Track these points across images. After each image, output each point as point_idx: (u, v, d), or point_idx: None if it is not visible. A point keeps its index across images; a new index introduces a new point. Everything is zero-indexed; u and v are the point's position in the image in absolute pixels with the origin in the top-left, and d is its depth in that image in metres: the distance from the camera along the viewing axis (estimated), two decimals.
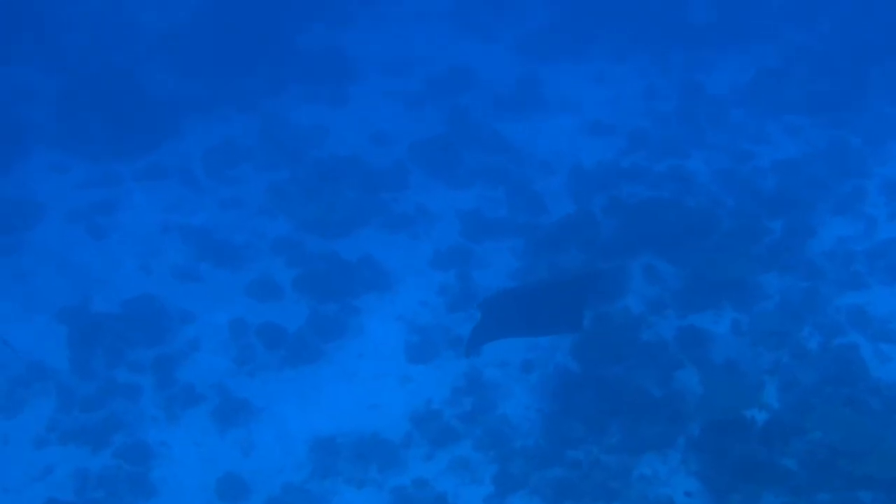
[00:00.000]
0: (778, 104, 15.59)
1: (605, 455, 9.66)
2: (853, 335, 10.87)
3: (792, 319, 11.02)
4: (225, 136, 15.31)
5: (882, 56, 16.42)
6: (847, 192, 13.24)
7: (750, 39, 17.80)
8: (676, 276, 11.87)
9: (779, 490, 8.99)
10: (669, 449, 9.66)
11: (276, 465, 9.99)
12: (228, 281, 12.49)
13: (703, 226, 12.43)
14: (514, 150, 14.85)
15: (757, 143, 14.72)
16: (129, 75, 16.51)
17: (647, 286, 11.84)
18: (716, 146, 14.70)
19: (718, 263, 11.68)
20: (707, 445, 9.41)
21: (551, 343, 11.06)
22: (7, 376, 11.05)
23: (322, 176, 14.15)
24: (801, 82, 15.85)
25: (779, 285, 11.63)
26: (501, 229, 13.08)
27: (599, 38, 18.23)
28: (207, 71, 17.07)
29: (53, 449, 10.26)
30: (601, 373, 10.45)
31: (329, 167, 14.35)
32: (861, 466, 8.85)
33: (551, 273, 11.96)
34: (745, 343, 10.84)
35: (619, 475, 9.43)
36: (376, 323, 11.68)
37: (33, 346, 11.43)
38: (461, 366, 10.88)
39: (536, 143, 15.09)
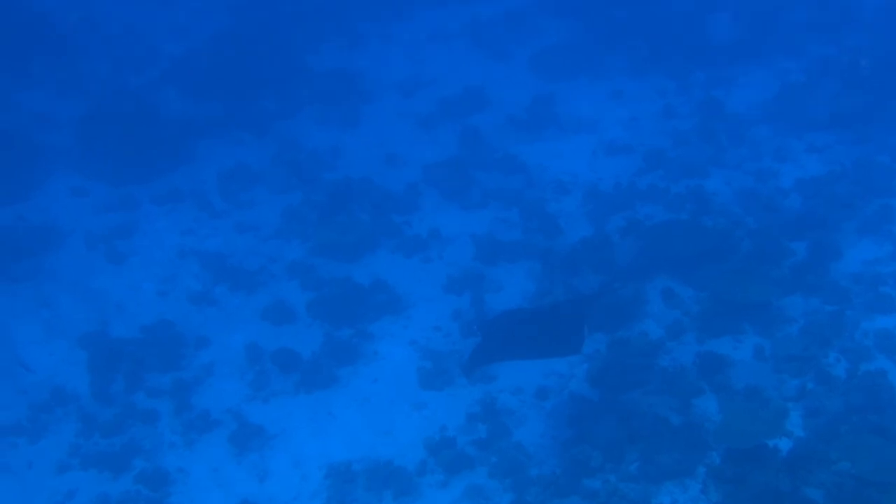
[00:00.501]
0: (802, 121, 15.22)
1: (623, 484, 9.43)
2: (881, 360, 10.52)
3: (817, 344, 10.72)
4: (239, 159, 15.35)
5: None
6: (874, 212, 12.78)
7: (773, 54, 17.48)
8: (695, 299, 11.67)
9: None
10: (689, 478, 9.42)
11: (292, 491, 9.90)
12: (244, 305, 12.47)
13: (722, 247, 12.19)
14: (529, 171, 14.72)
15: (779, 161, 14.43)
16: (145, 99, 16.69)
17: (666, 310, 11.64)
18: (736, 165, 14.44)
19: (739, 286, 11.42)
20: (728, 475, 9.15)
21: (566, 369, 10.90)
22: (30, 401, 11.10)
23: (335, 199, 14.07)
24: (826, 98, 15.40)
25: (803, 308, 11.35)
26: (516, 252, 12.94)
27: (616, 55, 18.07)
28: (222, 94, 17.12)
29: (75, 474, 10.30)
30: (618, 399, 10.26)
31: (342, 190, 14.27)
32: (890, 498, 8.56)
33: (566, 296, 11.79)
34: (767, 369, 10.57)
35: None
36: (390, 348, 11.57)
37: (55, 371, 11.48)
38: (475, 392, 10.76)
39: (551, 164, 14.96)
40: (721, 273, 11.76)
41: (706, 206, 13.37)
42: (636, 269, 12.21)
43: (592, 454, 9.70)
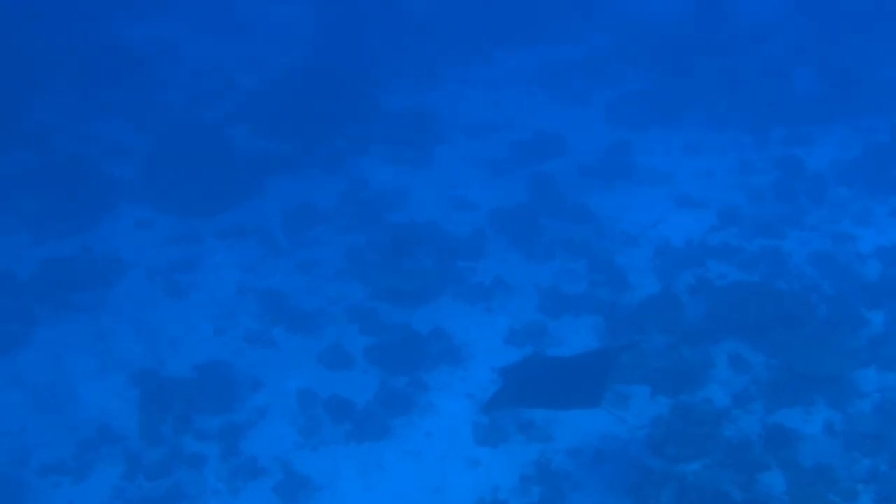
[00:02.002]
0: (885, 184, 14.71)
1: None
2: None
3: (892, 422, 10.21)
4: (306, 196, 15.26)
5: None
6: None
7: (858, 113, 16.96)
8: (765, 366, 11.22)
9: None
10: None
11: None
12: (300, 347, 12.29)
13: (796, 313, 11.71)
14: (598, 221, 14.41)
15: (860, 225, 13.92)
16: (217, 132, 16.71)
17: (733, 376, 11.20)
18: (814, 227, 13.97)
19: (812, 355, 10.98)
20: None
21: (626, 433, 10.52)
22: (76, 439, 11.00)
23: (400, 242, 13.91)
24: None
25: (878, 383, 10.84)
26: (580, 305, 12.62)
27: (695, 106, 17.71)
28: (293, 129, 17.14)
29: None
30: (678, 470, 9.85)
31: (407, 232, 14.11)
32: None
33: (630, 358, 11.42)
34: (838, 446, 10.08)
35: None
36: (445, 400, 11.29)
37: (105, 408, 11.40)
38: (531, 451, 10.43)
39: (622, 215, 14.61)
40: (793, 340, 11.32)
41: (781, 269, 12.93)
42: (704, 331, 11.79)
43: None
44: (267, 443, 10.82)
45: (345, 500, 10.09)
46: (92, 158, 16.25)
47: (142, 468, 10.52)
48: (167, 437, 10.90)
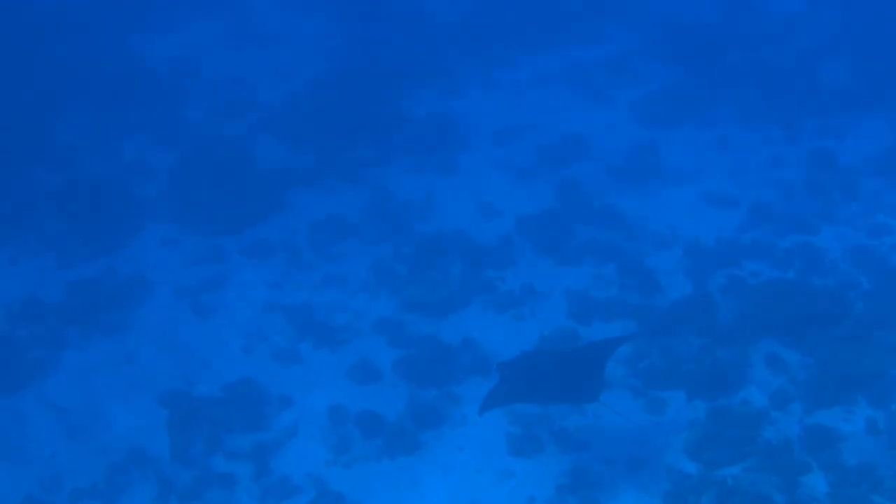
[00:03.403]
0: None
1: None
2: None
3: None
4: (331, 209, 15.14)
5: None
6: None
7: (888, 104, 16.55)
8: (802, 365, 10.97)
9: None
10: None
11: None
12: (328, 362, 12.21)
13: (833, 310, 11.49)
14: (628, 224, 14.16)
15: (895, 217, 13.57)
16: (241, 147, 16.69)
17: (770, 377, 10.95)
18: (848, 220, 13.67)
19: (851, 353, 10.74)
20: None
21: (662, 438, 10.30)
22: (108, 462, 10.99)
23: (427, 251, 13.78)
24: None
25: None
26: (611, 310, 12.40)
27: (722, 102, 17.38)
28: (318, 142, 17.04)
29: None
30: (718, 475, 9.62)
31: (434, 242, 13.97)
32: None
33: (665, 362, 11.20)
34: (881, 444, 9.82)
35: None
36: (477, 412, 11.09)
37: (135, 430, 11.37)
38: (566, 461, 10.24)
39: (651, 216, 14.34)
40: (831, 338, 11.08)
41: (816, 265, 12.67)
42: (739, 331, 11.54)
43: None
44: (298, 461, 10.74)
45: None
46: (116, 178, 16.31)
47: (174, 490, 10.49)
48: (198, 457, 10.85)
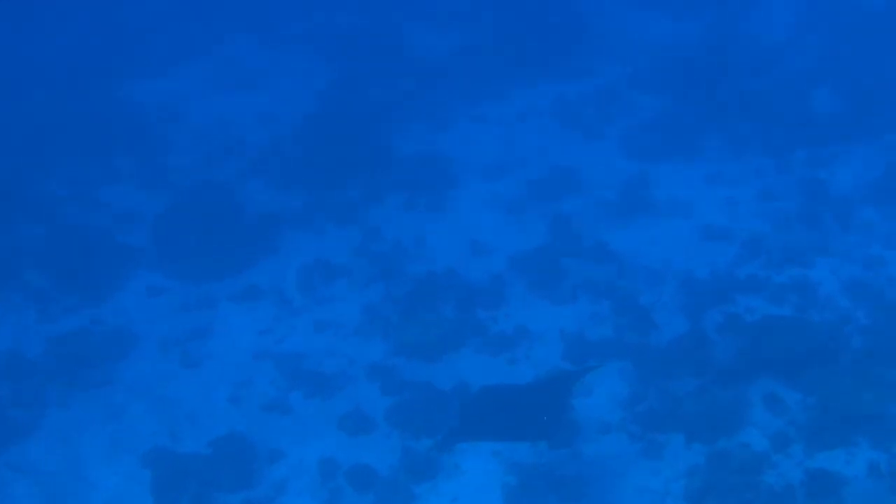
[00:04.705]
0: None
1: None
2: None
3: None
4: (320, 252, 14.93)
5: None
6: None
7: (880, 131, 16.30)
8: (802, 405, 10.75)
9: None
10: None
11: None
12: (319, 412, 11.97)
13: (830, 346, 11.26)
14: (620, 259, 13.95)
15: (891, 247, 13.38)
16: (228, 191, 16.47)
17: (770, 418, 10.72)
18: (843, 252, 13.41)
19: (849, 391, 10.50)
20: None
21: (662, 485, 10.07)
22: None
23: (418, 294, 13.57)
24: None
25: None
26: (607, 351, 12.18)
27: (712, 132, 17.16)
28: (307, 183, 16.86)
29: None
30: None
31: (425, 283, 13.76)
32: None
33: (663, 405, 10.99)
34: (883, 488, 9.59)
35: None
36: (472, 461, 10.87)
37: (117, 492, 11.10)
38: None
39: (644, 251, 14.15)
40: (830, 375, 10.82)
41: (811, 299, 12.47)
42: (736, 370, 11.33)
43: None
44: None
45: None
46: (101, 227, 16.08)
47: None
48: None
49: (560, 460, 10.58)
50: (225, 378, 12.67)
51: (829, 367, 10.97)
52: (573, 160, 16.92)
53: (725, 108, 17.37)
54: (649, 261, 13.91)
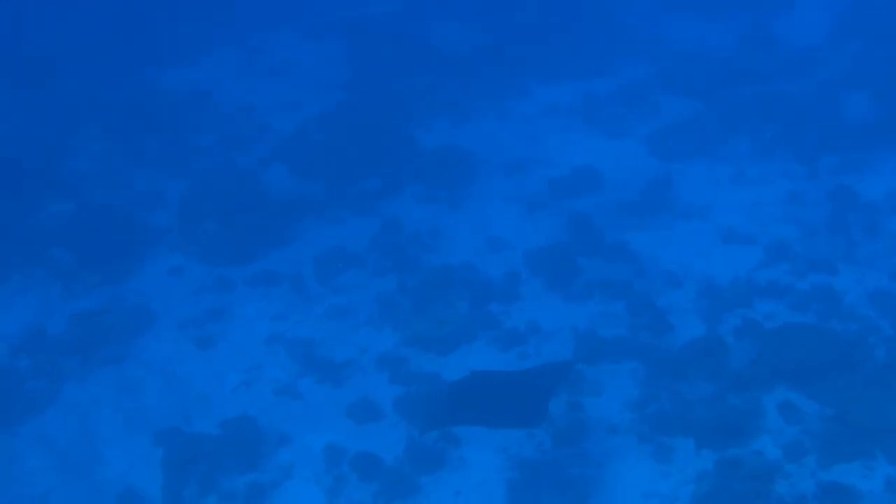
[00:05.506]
0: None
1: None
2: None
3: None
4: (338, 240, 14.85)
5: None
6: None
7: None
8: (819, 416, 10.52)
9: None
10: None
11: None
12: (328, 399, 11.90)
13: (852, 356, 11.05)
14: (639, 260, 13.76)
15: None
16: (251, 178, 16.47)
17: (784, 426, 10.49)
18: (870, 262, 13.13)
19: (870, 403, 10.28)
20: None
21: (670, 490, 9.88)
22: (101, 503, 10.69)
23: (432, 285, 13.45)
24: None
25: None
26: (619, 351, 11.98)
27: (739, 136, 16.89)
28: (328, 172, 16.75)
29: None
30: None
31: (441, 275, 13.63)
32: None
33: (674, 407, 10.79)
34: None
35: None
36: (477, 455, 10.72)
37: (129, 470, 11.10)
38: None
39: (663, 253, 13.92)
40: (849, 386, 10.60)
41: (835, 308, 12.21)
42: (752, 377, 11.10)
43: None
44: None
45: None
46: (126, 207, 16.10)
47: None
48: (191, 499, 10.52)
49: (565, 458, 10.42)
50: (238, 361, 12.64)
51: (849, 378, 10.78)
52: (596, 159, 16.69)
53: (754, 110, 17.12)
54: (669, 262, 13.68)
